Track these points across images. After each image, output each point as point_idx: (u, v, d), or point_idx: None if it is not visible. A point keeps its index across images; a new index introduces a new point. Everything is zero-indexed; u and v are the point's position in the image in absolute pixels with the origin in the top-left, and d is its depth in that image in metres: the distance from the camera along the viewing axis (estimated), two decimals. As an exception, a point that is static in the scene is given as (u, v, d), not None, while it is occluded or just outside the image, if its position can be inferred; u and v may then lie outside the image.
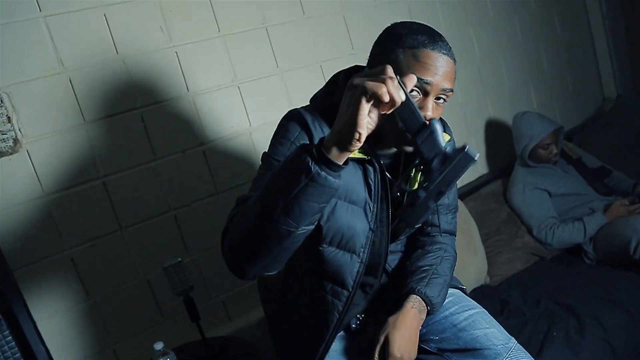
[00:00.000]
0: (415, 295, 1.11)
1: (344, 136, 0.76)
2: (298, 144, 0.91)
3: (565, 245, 2.03)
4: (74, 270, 1.59)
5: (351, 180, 1.03)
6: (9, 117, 1.47)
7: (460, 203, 2.01)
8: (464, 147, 0.83)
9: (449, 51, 0.97)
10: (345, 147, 0.77)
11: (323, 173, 0.76)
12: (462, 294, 1.26)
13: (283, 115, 1.11)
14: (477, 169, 2.56)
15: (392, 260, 1.22)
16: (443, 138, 0.83)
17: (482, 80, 2.59)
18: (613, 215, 1.94)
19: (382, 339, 1.07)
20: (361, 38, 2.14)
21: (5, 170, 1.48)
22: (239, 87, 1.84)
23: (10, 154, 1.48)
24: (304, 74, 1.96)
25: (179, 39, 1.72)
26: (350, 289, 1.07)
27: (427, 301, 1.11)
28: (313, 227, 0.85)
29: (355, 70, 1.12)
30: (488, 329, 1.10)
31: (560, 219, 2.07)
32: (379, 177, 1.04)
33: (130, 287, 1.68)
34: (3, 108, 1.46)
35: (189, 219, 1.75)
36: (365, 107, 0.73)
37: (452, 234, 1.27)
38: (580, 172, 2.22)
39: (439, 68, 0.93)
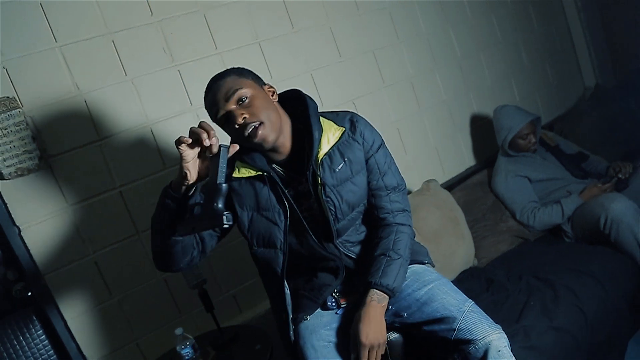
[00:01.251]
0: (372, 289, 1.28)
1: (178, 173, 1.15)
2: None
3: (546, 226, 2.19)
4: (97, 272, 1.76)
5: (260, 194, 1.31)
6: (34, 138, 1.65)
7: (446, 193, 2.17)
8: (220, 215, 1.08)
9: (221, 76, 1.27)
10: (177, 181, 1.17)
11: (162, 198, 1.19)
12: (424, 268, 1.41)
13: None
14: (464, 161, 2.72)
15: (355, 248, 1.39)
16: (221, 203, 1.08)
17: (465, 77, 2.75)
18: (587, 196, 2.10)
19: (352, 334, 1.25)
20: (347, 46, 2.31)
21: (33, 185, 1.66)
22: (237, 99, 2.01)
23: (37, 170, 1.66)
24: (296, 83, 2.11)
25: (180, 58, 1.89)
26: (280, 276, 1.33)
27: (384, 290, 1.28)
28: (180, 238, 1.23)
29: (292, 93, 1.39)
30: (445, 298, 1.28)
31: (541, 203, 2.23)
32: (277, 187, 1.29)
33: (149, 285, 1.85)
34: (28, 130, 1.64)
35: (199, 221, 1.92)
36: (186, 149, 1.13)
37: (402, 210, 1.39)
38: (558, 158, 2.37)
39: (215, 95, 1.24)
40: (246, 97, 1.22)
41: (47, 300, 1.71)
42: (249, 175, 1.30)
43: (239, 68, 1.31)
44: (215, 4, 1.96)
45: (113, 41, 1.78)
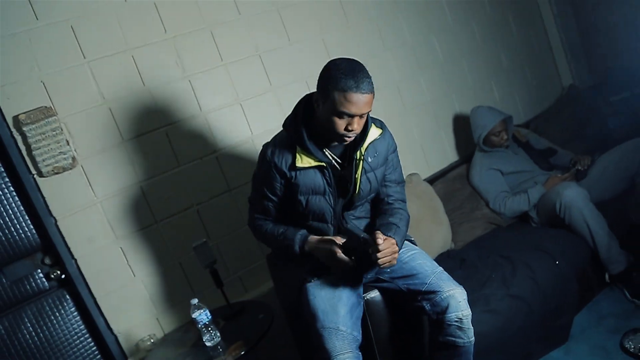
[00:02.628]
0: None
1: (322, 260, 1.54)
2: (268, 176, 1.58)
3: (515, 213, 2.45)
4: (122, 256, 2.03)
5: (314, 180, 1.55)
6: (67, 141, 1.91)
7: (427, 185, 2.44)
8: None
9: (368, 86, 1.40)
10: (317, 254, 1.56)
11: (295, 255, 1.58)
12: (408, 243, 1.72)
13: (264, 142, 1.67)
14: (447, 157, 2.96)
15: (360, 223, 1.68)
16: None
17: (448, 80, 2.98)
18: (550, 185, 2.35)
19: (383, 235, 1.47)
20: (339, 55, 2.50)
21: (67, 182, 1.92)
22: (241, 104, 2.27)
23: (70, 169, 1.92)
24: (292, 89, 2.37)
25: (190, 70, 2.15)
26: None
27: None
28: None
29: (307, 99, 1.59)
30: (422, 262, 1.59)
31: (512, 193, 2.50)
32: (331, 174, 1.55)
33: (167, 268, 2.11)
34: (63, 134, 1.90)
35: (209, 212, 2.18)
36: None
37: (403, 201, 1.73)
38: (528, 152, 2.63)
39: (360, 105, 1.39)
40: (368, 113, 1.47)
41: (79, 281, 1.96)
42: (309, 165, 1.53)
43: (371, 81, 1.42)
44: (220, 21, 2.22)
45: (132, 56, 2.04)
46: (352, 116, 1.41)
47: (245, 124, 2.29)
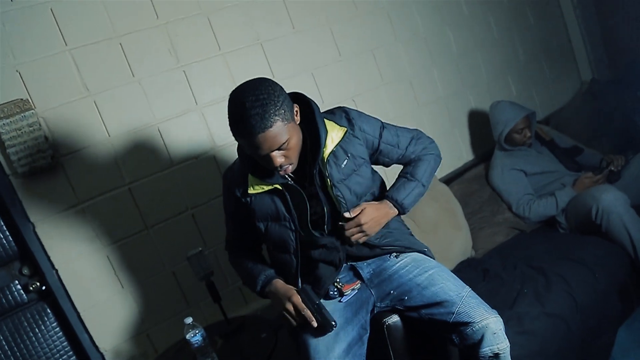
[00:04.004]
0: (385, 200, 1.45)
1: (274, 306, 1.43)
2: (229, 201, 1.50)
3: (541, 218, 2.25)
4: (109, 266, 1.84)
5: (271, 206, 1.40)
6: (46, 138, 1.72)
7: (444, 187, 2.24)
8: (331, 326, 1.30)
9: (264, 122, 1.17)
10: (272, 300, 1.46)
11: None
12: (424, 256, 1.49)
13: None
14: (462, 156, 2.78)
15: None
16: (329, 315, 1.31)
17: (462, 75, 2.80)
18: (580, 188, 2.16)
19: (360, 206, 1.38)
20: (347, 46, 2.37)
21: (46, 183, 1.73)
22: (240, 98, 2.08)
23: (50, 169, 1.73)
24: (297, 82, 2.20)
25: (185, 59, 1.96)
26: (294, 276, 1.44)
27: (395, 203, 1.45)
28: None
29: (295, 95, 1.40)
30: (444, 283, 1.35)
31: (536, 195, 2.30)
32: (289, 198, 1.37)
33: (158, 278, 1.92)
34: (41, 130, 1.71)
35: (205, 216, 1.99)
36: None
37: (424, 148, 1.55)
38: (552, 152, 2.44)
39: (266, 145, 1.21)
40: (286, 143, 1.24)
41: (61, 293, 1.78)
42: (262, 190, 1.39)
43: (269, 110, 1.18)
44: (218, 7, 2.03)
45: (120, 44, 1.85)
46: (267, 157, 1.25)
47: (246, 120, 2.09)
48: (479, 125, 2.83)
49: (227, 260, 2.01)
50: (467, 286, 1.34)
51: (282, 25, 2.20)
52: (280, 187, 1.36)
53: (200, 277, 1.69)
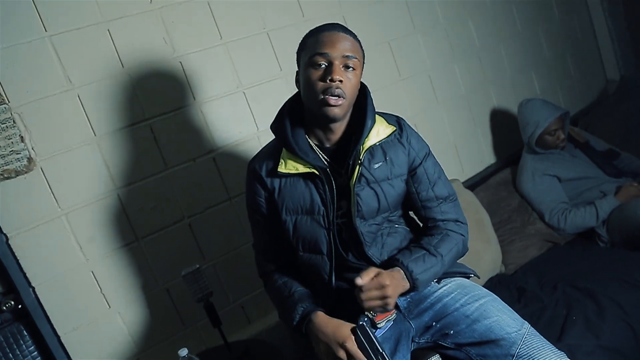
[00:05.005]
0: (398, 268, 1.14)
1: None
2: (254, 193, 1.27)
3: (578, 229, 2.03)
4: (94, 283, 1.62)
5: (305, 194, 1.19)
6: (22, 137, 1.50)
7: (470, 194, 2.02)
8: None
9: (345, 30, 1.18)
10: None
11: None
12: (471, 282, 1.26)
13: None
14: (484, 159, 2.56)
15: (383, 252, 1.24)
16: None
17: (484, 70, 2.59)
18: (625, 197, 1.94)
19: (375, 271, 1.10)
20: (361, 36, 2.10)
21: (21, 189, 1.51)
22: (244, 93, 1.86)
23: (25, 172, 1.51)
24: (307, 76, 1.97)
25: (182, 49, 1.74)
26: (327, 283, 1.22)
27: (408, 275, 1.13)
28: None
29: (296, 98, 1.27)
30: (500, 317, 1.11)
31: (572, 204, 2.07)
32: (326, 186, 1.17)
33: (150, 296, 1.70)
34: (16, 128, 1.49)
35: (204, 226, 1.77)
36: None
37: (454, 220, 1.27)
38: (588, 155, 2.21)
39: (335, 42, 1.13)
40: (353, 69, 1.16)
41: (38, 314, 1.56)
42: (296, 172, 1.18)
43: (353, 33, 1.22)
44: (219, -10, 1.81)
45: (109, 30, 1.63)
46: (329, 62, 1.13)
47: (250, 117, 1.87)
48: (502, 124, 2.62)
49: (228, 274, 1.83)
50: (525, 321, 1.11)
51: (291, 13, 1.98)
52: (317, 172, 1.16)
53: (198, 299, 1.47)
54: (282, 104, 1.29)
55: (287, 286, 1.25)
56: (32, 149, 1.52)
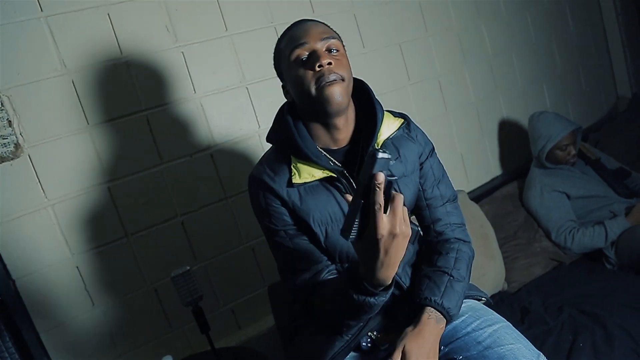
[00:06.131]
0: (430, 307, 1.07)
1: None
2: (269, 206, 1.09)
3: (585, 250, 1.95)
4: (79, 278, 1.54)
5: (330, 201, 1.07)
6: (9, 121, 1.42)
7: (475, 206, 1.94)
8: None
9: (313, 19, 1.11)
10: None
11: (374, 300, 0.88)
12: (482, 305, 1.18)
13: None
14: (490, 170, 2.49)
15: (403, 271, 1.16)
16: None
17: (495, 78, 2.51)
18: (636, 219, 1.87)
19: (400, 348, 1.02)
20: (372, 36, 2.08)
21: (7, 176, 1.43)
22: (247, 88, 1.78)
23: (12, 159, 1.43)
24: (314, 74, 1.90)
25: (185, 38, 1.66)
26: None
27: (444, 312, 1.07)
28: None
29: (289, 108, 1.16)
30: (514, 345, 1.03)
31: (580, 223, 2.00)
32: (347, 187, 1.07)
33: (137, 296, 1.62)
34: (4, 112, 1.41)
35: (197, 225, 1.69)
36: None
37: (460, 224, 1.21)
38: (599, 173, 2.13)
39: (307, 30, 1.06)
40: (337, 50, 1.07)
41: (18, 309, 1.48)
42: (313, 179, 1.06)
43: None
44: (227, -21, 1.73)
45: (109, 14, 1.55)
46: (311, 50, 1.04)
47: (252, 114, 1.79)
48: (510, 136, 2.55)
49: (220, 276, 1.75)
50: (540, 351, 1.04)
51: (301, 9, 1.90)
52: (334, 175, 1.05)
53: (186, 303, 1.39)
54: (275, 117, 1.18)
55: (324, 290, 1.07)
56: (20, 134, 1.44)
